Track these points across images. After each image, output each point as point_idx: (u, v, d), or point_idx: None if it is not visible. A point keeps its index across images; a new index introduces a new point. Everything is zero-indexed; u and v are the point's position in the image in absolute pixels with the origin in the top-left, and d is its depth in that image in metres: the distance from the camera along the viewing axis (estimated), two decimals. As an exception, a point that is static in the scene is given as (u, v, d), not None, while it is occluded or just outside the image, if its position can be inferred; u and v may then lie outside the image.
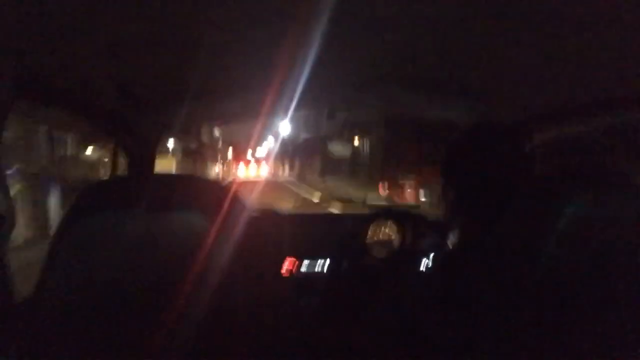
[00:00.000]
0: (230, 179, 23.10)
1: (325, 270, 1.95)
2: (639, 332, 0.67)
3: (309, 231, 2.09)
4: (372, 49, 1.20)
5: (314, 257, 1.95)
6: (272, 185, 21.82)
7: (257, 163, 26.24)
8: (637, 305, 0.68)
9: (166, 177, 0.62)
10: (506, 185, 0.88)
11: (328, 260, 1.94)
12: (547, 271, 0.70)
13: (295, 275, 1.92)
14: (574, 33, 0.91)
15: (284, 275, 1.91)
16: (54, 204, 6.20)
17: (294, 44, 1.08)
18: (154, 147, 1.77)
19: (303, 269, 1.93)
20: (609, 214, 0.70)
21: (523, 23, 0.92)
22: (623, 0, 0.76)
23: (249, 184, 18.98)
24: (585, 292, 0.69)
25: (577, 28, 0.89)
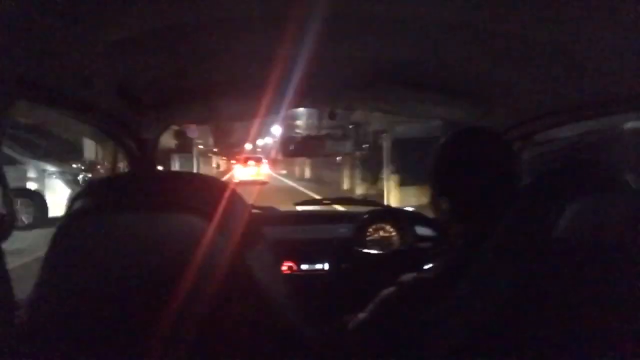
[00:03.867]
0: (229, 178, 20.08)
1: (325, 270, 1.95)
2: (639, 333, 0.67)
3: (309, 230, 2.09)
4: (372, 49, 1.20)
5: (313, 256, 1.95)
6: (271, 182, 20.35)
7: (255, 162, 21.61)
8: (638, 306, 0.68)
9: (166, 176, 0.62)
10: (496, 187, 0.88)
11: (328, 260, 1.95)
12: (546, 271, 0.70)
13: (295, 274, 1.92)
14: (572, 33, 0.92)
15: (283, 274, 1.92)
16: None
17: (294, 44, 1.08)
18: (154, 147, 1.78)
19: (303, 268, 1.94)
20: (608, 215, 0.70)
21: (522, 23, 0.92)
22: (621, 1, 0.76)
23: (248, 182, 18.45)
24: (584, 294, 0.69)
25: (576, 28, 0.89)
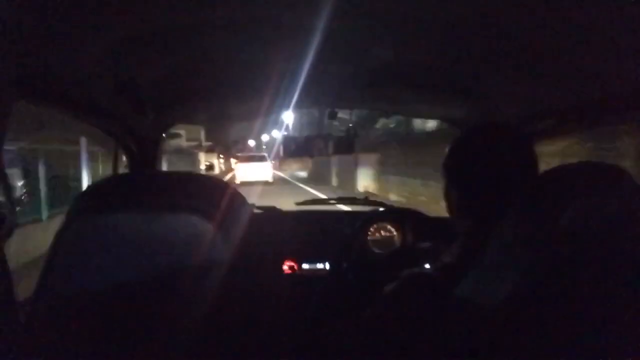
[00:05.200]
0: (231, 178, 18.34)
1: (326, 269, 1.95)
2: (638, 333, 0.67)
3: (310, 230, 2.09)
4: (372, 49, 1.20)
5: (314, 256, 1.95)
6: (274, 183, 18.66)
7: (259, 161, 19.33)
8: (639, 304, 0.68)
9: (167, 176, 0.62)
10: (509, 184, 0.88)
11: (329, 259, 1.95)
12: (549, 269, 0.70)
13: (296, 274, 1.93)
14: (573, 32, 0.91)
15: (284, 273, 1.92)
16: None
17: (295, 44, 1.08)
18: (156, 147, 1.78)
19: (304, 267, 1.94)
20: (612, 212, 0.70)
21: (523, 23, 0.92)
22: (621, 1, 0.76)
23: (250, 182, 17.03)
24: (586, 291, 0.69)
25: (577, 27, 0.89)
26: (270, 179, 18.40)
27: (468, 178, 0.94)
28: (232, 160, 25.19)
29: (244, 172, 18.41)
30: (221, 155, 31.90)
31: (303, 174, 22.95)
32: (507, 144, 0.92)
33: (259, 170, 18.52)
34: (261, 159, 19.76)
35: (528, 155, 0.92)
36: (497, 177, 0.89)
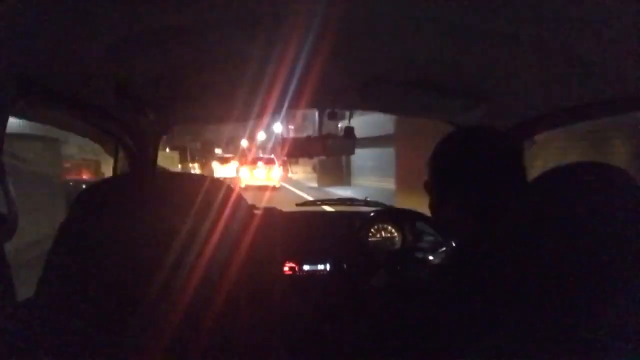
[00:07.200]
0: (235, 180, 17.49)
1: (326, 270, 1.95)
2: (638, 332, 0.67)
3: (311, 230, 2.09)
4: (372, 49, 1.20)
5: (315, 257, 1.95)
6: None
7: (265, 164, 18.38)
8: (637, 305, 0.68)
9: (167, 176, 0.62)
10: (495, 185, 0.88)
11: (329, 261, 1.95)
12: (546, 270, 0.70)
13: (296, 274, 1.92)
14: (573, 33, 0.92)
15: (285, 274, 1.92)
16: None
17: (294, 45, 1.08)
18: (155, 147, 1.78)
19: (304, 268, 1.94)
20: (609, 213, 0.70)
21: (522, 23, 0.92)
22: (622, 1, 0.77)
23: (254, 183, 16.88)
24: (584, 291, 0.69)
25: (577, 28, 0.89)
26: (277, 184, 17.93)
27: (453, 179, 0.93)
28: (215, 164, 22.34)
29: (249, 176, 17.89)
30: (197, 158, 26.42)
31: (344, 192, 14.06)
32: (492, 145, 0.92)
33: (265, 174, 17.95)
34: (266, 161, 19.00)
35: (513, 156, 0.91)
36: (481, 178, 0.89)
